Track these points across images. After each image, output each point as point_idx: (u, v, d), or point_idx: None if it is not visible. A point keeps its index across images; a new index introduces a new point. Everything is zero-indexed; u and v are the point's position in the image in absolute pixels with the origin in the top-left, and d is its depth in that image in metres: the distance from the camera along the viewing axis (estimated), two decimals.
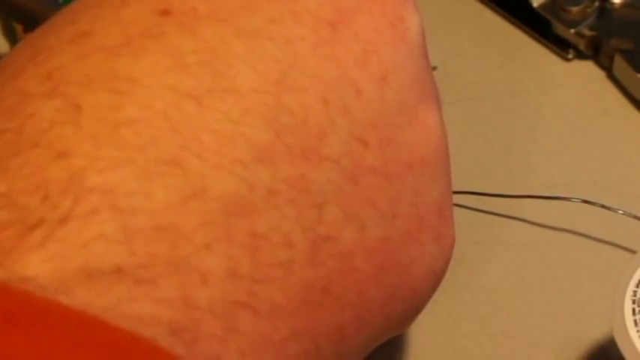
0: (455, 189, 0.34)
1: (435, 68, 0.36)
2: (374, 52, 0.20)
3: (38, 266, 0.16)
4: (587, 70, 0.37)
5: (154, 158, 0.17)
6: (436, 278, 0.23)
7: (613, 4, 0.37)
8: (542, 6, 0.38)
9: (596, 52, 0.37)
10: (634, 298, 0.26)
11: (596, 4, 0.37)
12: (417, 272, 0.22)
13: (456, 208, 0.33)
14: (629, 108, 0.36)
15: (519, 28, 0.38)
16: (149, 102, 0.18)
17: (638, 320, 0.25)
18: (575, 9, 0.37)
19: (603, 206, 0.32)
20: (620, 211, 0.32)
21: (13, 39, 0.38)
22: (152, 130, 0.17)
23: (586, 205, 0.32)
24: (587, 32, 0.37)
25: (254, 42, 0.19)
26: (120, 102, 0.18)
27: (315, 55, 0.20)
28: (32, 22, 0.35)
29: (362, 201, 0.20)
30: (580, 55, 0.37)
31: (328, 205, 0.19)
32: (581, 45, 0.37)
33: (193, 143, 0.18)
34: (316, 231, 0.19)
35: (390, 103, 0.20)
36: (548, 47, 0.38)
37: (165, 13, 0.19)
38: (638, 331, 0.25)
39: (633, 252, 0.31)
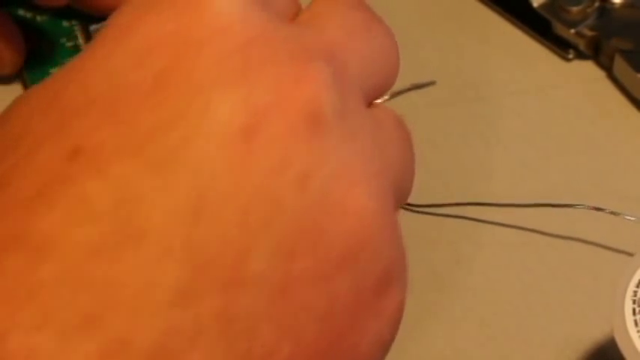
0: (454, 189, 0.34)
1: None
2: (291, 156, 0.19)
3: None
4: (587, 70, 0.37)
5: (72, 317, 0.17)
6: (385, 346, 0.22)
7: (613, 4, 0.37)
8: (542, 6, 0.38)
9: (596, 52, 0.37)
10: (634, 298, 0.26)
11: (596, 4, 0.37)
12: (364, 349, 0.21)
13: (455, 209, 0.33)
14: (629, 108, 0.36)
15: (519, 28, 0.38)
16: (63, 260, 0.17)
17: (638, 320, 0.25)
18: (575, 9, 0.37)
19: (597, 209, 0.32)
20: (619, 214, 0.32)
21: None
22: (67, 288, 0.17)
23: (585, 207, 0.32)
24: (587, 32, 0.37)
25: (163, 174, 0.18)
26: (35, 262, 0.17)
27: (228, 173, 0.19)
28: None
29: (297, 310, 0.19)
30: (580, 55, 0.37)
31: (261, 325, 0.18)
32: (581, 45, 0.37)
33: (110, 297, 0.17)
34: (252, 354, 0.18)
35: (314, 205, 0.19)
36: (548, 47, 0.38)
37: (75, 152, 0.18)
38: (638, 331, 0.25)
39: (633, 254, 0.31)
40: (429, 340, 0.30)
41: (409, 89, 0.36)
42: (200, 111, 0.19)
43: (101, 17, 0.38)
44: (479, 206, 0.33)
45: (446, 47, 0.38)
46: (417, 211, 0.33)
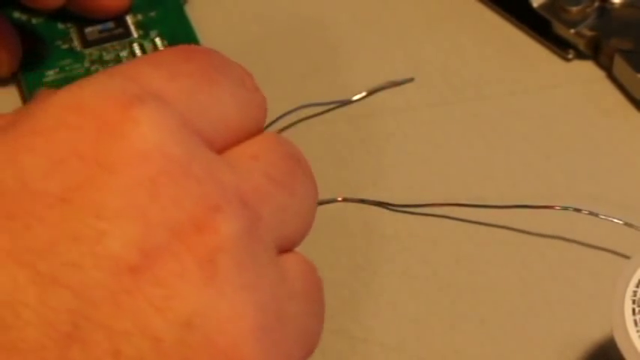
0: (454, 189, 0.34)
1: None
2: (176, 297, 0.19)
3: None
4: (587, 70, 0.37)
5: None
6: None
7: (613, 4, 0.37)
8: (542, 6, 0.38)
9: (596, 52, 0.37)
10: (634, 298, 0.26)
11: (596, 4, 0.37)
12: None
13: (455, 209, 0.33)
14: (629, 108, 0.36)
15: (519, 28, 0.38)
16: None
17: (638, 320, 0.25)
18: (575, 9, 0.37)
19: (592, 213, 0.32)
20: (614, 218, 0.32)
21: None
22: None
23: (583, 207, 0.32)
24: (587, 32, 0.37)
25: (49, 289, 0.18)
26: None
27: (110, 304, 0.19)
28: None
29: None
30: (580, 55, 0.37)
31: None
32: (581, 45, 0.37)
33: None
34: None
35: (195, 348, 0.19)
36: (548, 47, 0.38)
37: None
38: (638, 331, 0.25)
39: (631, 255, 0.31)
40: (429, 340, 0.30)
41: (386, 87, 0.36)
42: (95, 238, 0.19)
43: (96, 19, 0.38)
44: (479, 207, 0.33)
45: (446, 47, 0.38)
46: (417, 212, 0.33)
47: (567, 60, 0.37)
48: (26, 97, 0.36)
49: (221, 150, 0.22)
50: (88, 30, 0.38)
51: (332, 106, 0.36)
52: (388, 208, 0.33)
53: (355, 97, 0.36)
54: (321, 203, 0.33)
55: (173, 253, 0.19)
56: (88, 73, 0.36)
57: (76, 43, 0.37)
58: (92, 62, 0.37)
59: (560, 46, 0.38)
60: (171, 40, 0.38)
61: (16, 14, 0.38)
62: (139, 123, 0.20)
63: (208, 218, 0.20)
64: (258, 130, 0.24)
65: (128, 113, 0.20)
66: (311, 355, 0.22)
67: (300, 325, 0.22)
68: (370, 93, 0.36)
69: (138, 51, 0.37)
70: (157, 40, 0.37)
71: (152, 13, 0.38)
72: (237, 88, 0.23)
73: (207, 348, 0.19)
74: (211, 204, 0.20)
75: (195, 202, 0.20)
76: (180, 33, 0.38)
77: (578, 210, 0.32)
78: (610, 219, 0.32)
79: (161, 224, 0.19)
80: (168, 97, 0.21)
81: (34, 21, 0.38)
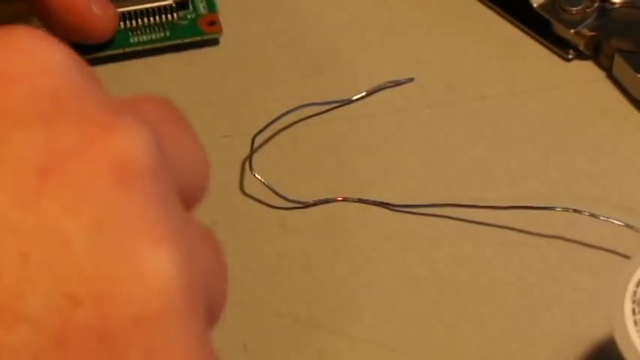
0: (454, 189, 0.34)
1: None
2: (86, 200, 0.19)
3: None
4: (587, 70, 0.37)
5: None
6: None
7: (613, 4, 0.37)
8: (542, 6, 0.38)
9: (596, 52, 0.37)
10: (634, 298, 0.26)
11: (596, 4, 0.37)
12: None
13: (455, 209, 0.33)
14: (629, 108, 0.36)
15: (519, 28, 0.38)
16: None
17: (638, 320, 0.25)
18: (575, 9, 0.37)
19: (592, 214, 0.32)
20: (617, 219, 0.32)
21: None
22: None
23: (582, 209, 0.32)
24: (587, 32, 0.37)
25: None
26: None
27: (15, 206, 0.18)
28: None
29: None
30: (580, 55, 0.37)
31: None
32: (581, 45, 0.37)
33: None
34: None
35: (107, 254, 0.19)
36: (548, 47, 0.38)
37: None
38: (638, 331, 0.25)
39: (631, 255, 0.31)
40: (429, 340, 0.30)
41: (386, 87, 0.36)
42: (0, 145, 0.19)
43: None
44: (479, 207, 0.33)
45: (446, 47, 0.38)
46: (417, 212, 0.33)
47: (567, 60, 0.37)
48: None
49: None
50: None
51: (332, 106, 0.36)
52: (388, 208, 0.33)
53: (355, 97, 0.36)
54: (321, 203, 0.33)
55: (79, 154, 0.19)
56: None
57: None
58: None
59: (560, 46, 0.38)
60: None
61: None
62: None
63: (117, 122, 0.19)
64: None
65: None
66: (214, 326, 0.21)
67: (207, 277, 0.21)
68: (370, 93, 0.36)
69: None
70: None
71: None
72: None
73: (119, 256, 0.19)
74: (116, 109, 0.20)
75: (100, 109, 0.20)
76: None
77: (578, 211, 0.32)
78: (610, 220, 0.32)
79: (65, 127, 0.19)
80: None
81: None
